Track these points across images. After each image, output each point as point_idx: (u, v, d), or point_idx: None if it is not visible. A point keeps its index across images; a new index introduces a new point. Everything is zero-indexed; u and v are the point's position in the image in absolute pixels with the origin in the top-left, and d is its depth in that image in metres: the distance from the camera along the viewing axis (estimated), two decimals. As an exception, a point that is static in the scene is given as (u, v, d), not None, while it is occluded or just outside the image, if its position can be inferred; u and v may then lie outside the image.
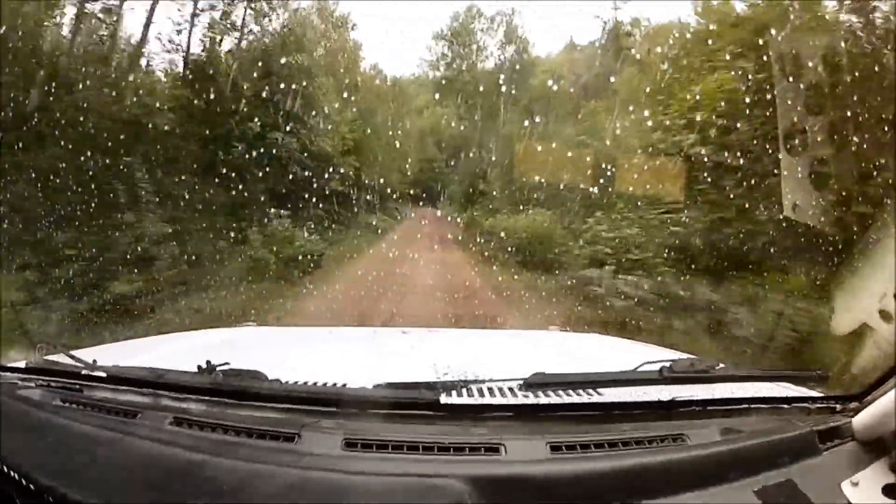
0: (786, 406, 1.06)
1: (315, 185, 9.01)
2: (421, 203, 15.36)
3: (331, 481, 0.79)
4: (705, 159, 6.14)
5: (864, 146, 4.36)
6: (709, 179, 6.19)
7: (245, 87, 8.57)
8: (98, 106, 6.55)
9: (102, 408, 1.01)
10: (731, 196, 5.82)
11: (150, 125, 6.95)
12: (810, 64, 4.37)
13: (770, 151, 5.21)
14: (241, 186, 7.78)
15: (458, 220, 13.13)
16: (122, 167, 6.18)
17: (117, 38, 7.88)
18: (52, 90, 6.28)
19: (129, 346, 1.68)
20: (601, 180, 7.59)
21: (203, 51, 8.86)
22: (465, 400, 0.97)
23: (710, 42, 6.90)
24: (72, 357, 1.15)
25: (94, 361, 1.12)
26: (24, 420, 0.98)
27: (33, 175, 5.58)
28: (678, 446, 0.90)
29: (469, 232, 11.83)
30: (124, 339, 2.56)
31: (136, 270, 5.73)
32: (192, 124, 7.82)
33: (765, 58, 5.31)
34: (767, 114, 5.29)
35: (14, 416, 0.98)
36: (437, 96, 15.24)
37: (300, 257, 7.94)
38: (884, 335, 1.12)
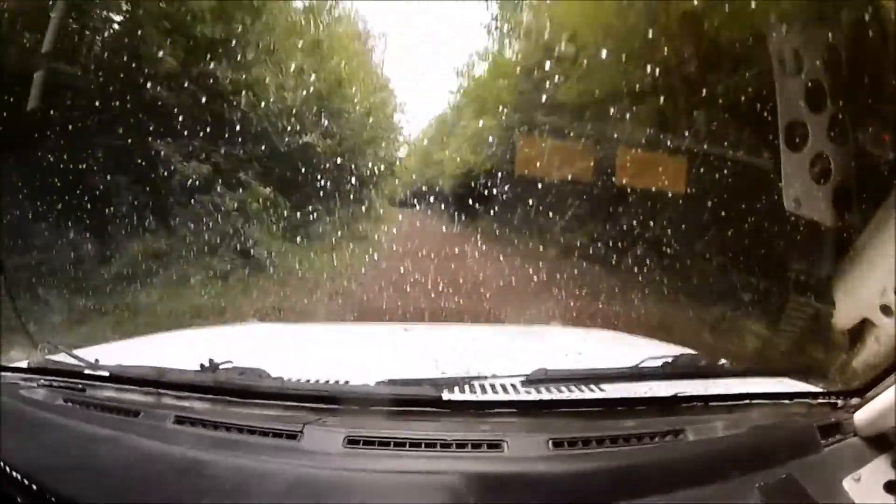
0: (787, 402, 1.06)
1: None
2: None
3: (332, 479, 0.79)
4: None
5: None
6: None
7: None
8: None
9: (105, 407, 1.02)
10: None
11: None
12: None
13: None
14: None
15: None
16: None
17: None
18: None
19: (132, 345, 1.68)
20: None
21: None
22: (467, 396, 0.98)
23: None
24: (74, 356, 1.15)
25: (97, 360, 1.12)
26: (26, 420, 0.98)
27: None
28: (679, 442, 0.91)
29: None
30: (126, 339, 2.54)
31: None
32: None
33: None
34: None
35: (16, 415, 0.98)
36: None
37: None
38: (885, 330, 1.12)
